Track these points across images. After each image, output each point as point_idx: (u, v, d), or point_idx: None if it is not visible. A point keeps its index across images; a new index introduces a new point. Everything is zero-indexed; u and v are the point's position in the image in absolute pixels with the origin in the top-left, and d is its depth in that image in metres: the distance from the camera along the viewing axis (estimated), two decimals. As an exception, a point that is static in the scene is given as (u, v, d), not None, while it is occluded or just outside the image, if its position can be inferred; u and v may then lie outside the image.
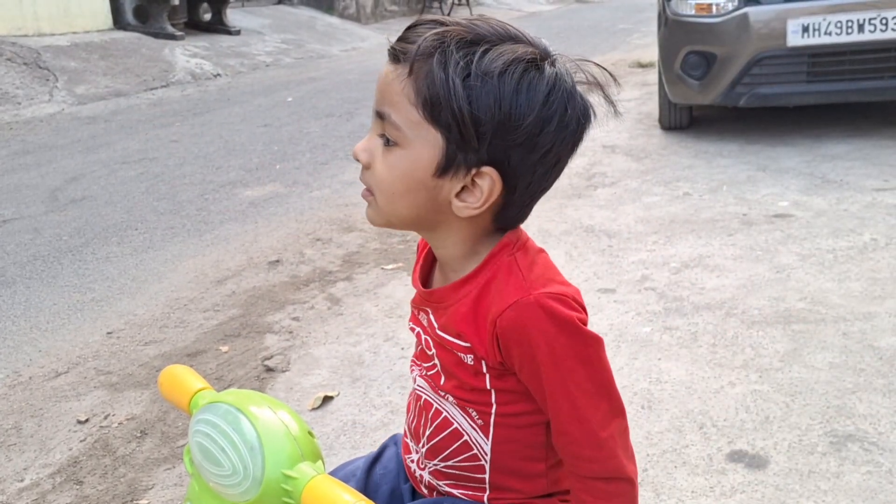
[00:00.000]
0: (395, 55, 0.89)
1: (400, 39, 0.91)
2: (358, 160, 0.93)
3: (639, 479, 1.96)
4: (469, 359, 0.96)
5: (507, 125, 0.86)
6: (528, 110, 0.86)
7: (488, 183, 0.89)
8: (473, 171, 0.89)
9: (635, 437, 2.15)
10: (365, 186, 0.95)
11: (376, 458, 1.18)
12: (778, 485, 1.93)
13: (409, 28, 0.91)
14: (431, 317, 1.01)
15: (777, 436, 2.11)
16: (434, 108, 0.86)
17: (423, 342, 1.03)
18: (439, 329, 0.98)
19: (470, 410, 1.00)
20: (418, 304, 1.04)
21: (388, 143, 0.90)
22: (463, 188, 0.90)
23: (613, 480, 0.93)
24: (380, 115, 0.91)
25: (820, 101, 4.90)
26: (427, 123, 0.87)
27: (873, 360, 2.45)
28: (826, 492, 1.89)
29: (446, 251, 0.98)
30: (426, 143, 0.88)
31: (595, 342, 0.93)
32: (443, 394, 1.01)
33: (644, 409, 2.29)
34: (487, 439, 0.99)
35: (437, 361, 1.01)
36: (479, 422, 0.99)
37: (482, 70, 0.85)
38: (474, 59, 0.85)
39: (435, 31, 0.87)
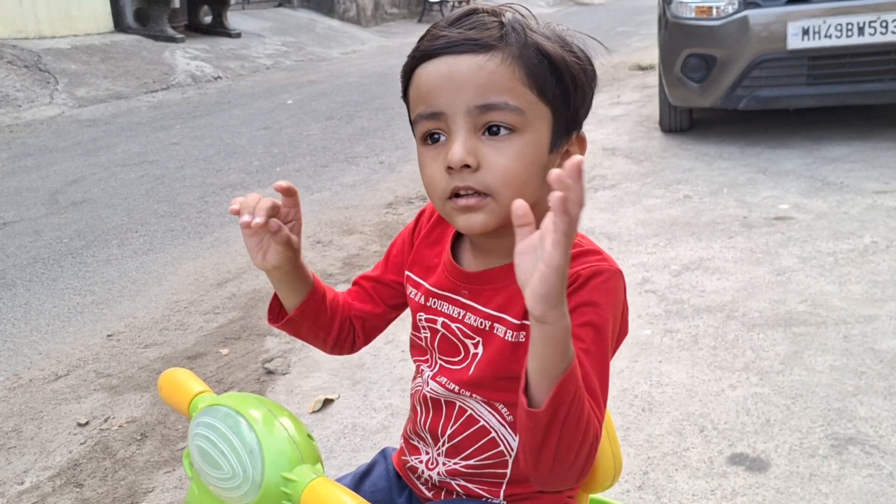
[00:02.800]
0: (481, 44, 0.87)
1: (463, 29, 0.88)
2: (467, 166, 0.87)
3: (640, 482, 1.97)
4: (524, 336, 0.94)
5: (591, 86, 0.94)
6: (594, 70, 0.94)
7: (577, 145, 0.95)
8: (573, 136, 0.94)
9: (636, 439, 2.15)
10: (465, 194, 0.88)
11: (364, 474, 1.15)
12: (779, 488, 1.92)
13: (460, 19, 0.90)
14: (468, 301, 0.98)
15: (778, 439, 2.11)
16: (544, 84, 0.88)
17: (456, 331, 0.99)
18: (495, 310, 0.96)
19: (499, 406, 0.98)
20: (450, 290, 1.00)
21: (499, 132, 0.87)
22: (560, 158, 0.93)
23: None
24: (484, 109, 0.86)
25: (820, 104, 4.90)
26: (539, 101, 0.89)
27: (874, 362, 2.44)
28: (827, 495, 1.88)
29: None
30: (542, 122, 0.90)
31: (624, 336, 0.95)
32: (468, 393, 0.99)
33: (645, 412, 2.28)
34: (516, 435, 0.98)
35: (478, 351, 0.97)
36: (510, 418, 0.98)
37: (564, 39, 0.92)
38: (554, 31, 0.92)
39: (512, 14, 0.90)
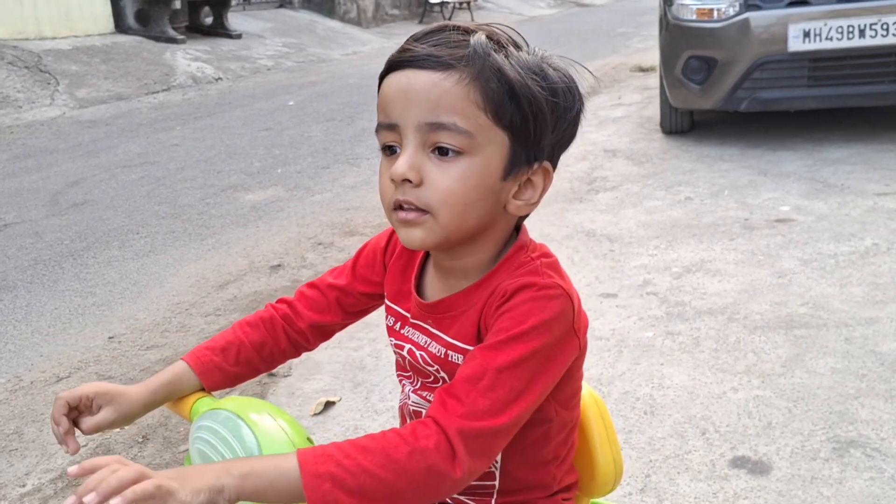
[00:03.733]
0: (441, 62, 0.86)
1: (428, 45, 0.88)
2: (408, 180, 0.87)
3: (642, 485, 1.96)
4: None
5: (563, 118, 0.91)
6: (573, 101, 0.92)
7: (541, 176, 0.93)
8: (535, 167, 0.92)
9: (637, 442, 2.15)
10: (407, 208, 0.89)
11: None
12: (781, 491, 1.92)
13: (429, 35, 0.89)
14: (433, 329, 0.98)
15: (779, 441, 2.11)
16: (501, 109, 0.86)
17: (419, 358, 0.99)
18: (452, 338, 0.96)
19: None
20: (418, 318, 1.01)
21: (448, 153, 0.87)
22: (518, 186, 0.92)
23: (441, 440, 0.83)
24: (434, 126, 0.86)
25: (821, 106, 4.91)
26: (494, 126, 0.87)
27: (875, 365, 2.44)
28: (829, 498, 1.88)
29: (473, 259, 0.95)
30: (495, 147, 0.88)
31: (545, 348, 0.88)
32: None
33: (646, 415, 2.28)
34: None
35: (444, 375, 0.98)
36: None
37: (539, 67, 0.89)
38: (528, 58, 0.89)
39: (483, 35, 0.88)
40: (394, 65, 0.89)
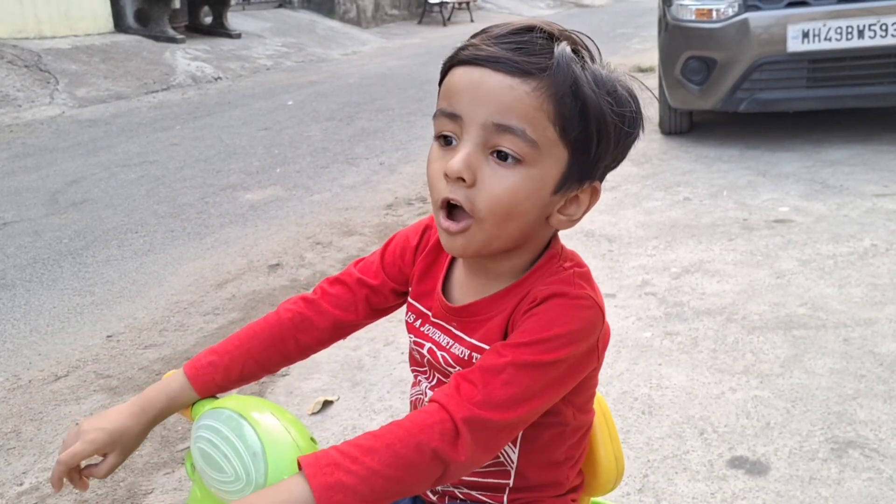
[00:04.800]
0: (520, 69, 0.83)
1: (510, 47, 0.85)
2: (462, 178, 0.85)
3: (640, 485, 1.96)
4: None
5: (623, 143, 0.90)
6: (635, 127, 0.90)
7: (589, 194, 0.92)
8: (585, 185, 0.90)
9: (636, 442, 2.15)
10: (454, 215, 0.88)
11: None
12: (779, 491, 1.92)
13: (514, 34, 0.86)
14: (457, 331, 0.97)
15: (778, 442, 2.11)
16: (569, 125, 0.85)
17: (441, 359, 0.99)
18: (478, 341, 0.95)
19: None
20: (442, 319, 1.00)
21: (507, 159, 0.85)
22: (565, 201, 0.91)
23: (452, 424, 0.83)
24: (501, 128, 0.84)
25: (820, 107, 4.91)
26: (559, 140, 0.85)
27: (874, 366, 2.44)
28: (827, 498, 1.89)
29: (508, 263, 0.95)
30: (554, 161, 0.86)
31: (568, 359, 0.89)
32: None
33: (645, 415, 2.28)
34: (515, 448, 0.98)
35: None
36: None
37: (614, 88, 0.87)
38: (603, 73, 0.87)
39: (567, 46, 0.85)
40: (468, 60, 0.86)
